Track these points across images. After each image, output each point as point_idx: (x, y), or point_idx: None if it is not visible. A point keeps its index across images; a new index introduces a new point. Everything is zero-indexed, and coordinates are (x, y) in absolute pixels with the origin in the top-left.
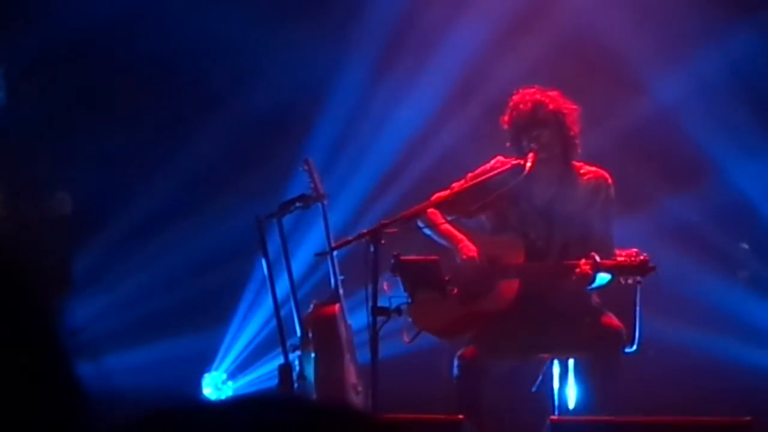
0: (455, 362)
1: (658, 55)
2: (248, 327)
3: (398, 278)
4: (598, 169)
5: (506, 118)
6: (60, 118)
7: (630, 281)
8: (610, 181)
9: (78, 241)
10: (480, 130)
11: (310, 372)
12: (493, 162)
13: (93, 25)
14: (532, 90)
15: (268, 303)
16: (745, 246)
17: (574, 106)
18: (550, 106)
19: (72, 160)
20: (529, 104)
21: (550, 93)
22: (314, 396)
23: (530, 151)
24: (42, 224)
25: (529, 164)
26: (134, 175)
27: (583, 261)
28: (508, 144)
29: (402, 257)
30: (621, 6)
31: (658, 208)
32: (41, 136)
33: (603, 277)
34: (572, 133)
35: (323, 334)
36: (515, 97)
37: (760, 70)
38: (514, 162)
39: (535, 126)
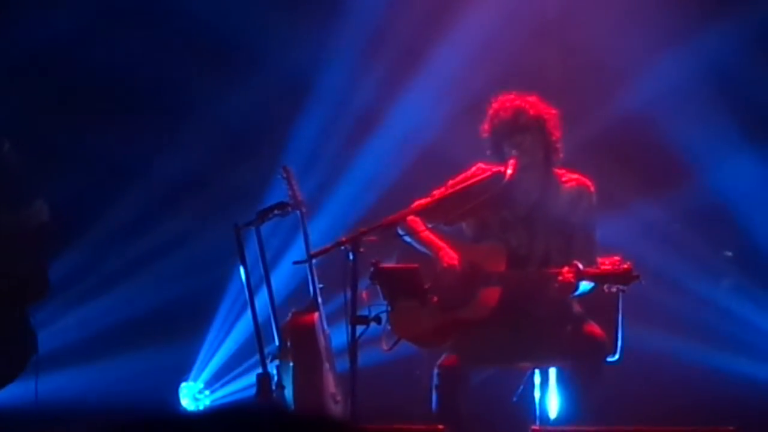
0: (435, 371)
1: (639, 56)
2: (226, 336)
3: (377, 286)
4: (581, 177)
5: (486, 126)
6: (35, 125)
7: (613, 289)
8: (592, 188)
9: (55, 248)
10: (462, 134)
11: (288, 381)
12: (473, 169)
13: (60, 35)
14: (511, 96)
15: (247, 312)
16: (729, 254)
17: (554, 111)
18: (531, 112)
19: (47, 168)
20: (510, 111)
21: (530, 98)
22: (293, 405)
23: (511, 158)
24: (20, 232)
25: (510, 171)
26: (110, 183)
27: (566, 269)
28: (488, 152)
29: (381, 265)
30: (602, 8)
31: (636, 214)
32: (17, 142)
33: (585, 285)
34: (554, 138)
35: (301, 343)
36: (494, 105)
37: (737, 72)
38: (495, 169)
39: (517, 132)
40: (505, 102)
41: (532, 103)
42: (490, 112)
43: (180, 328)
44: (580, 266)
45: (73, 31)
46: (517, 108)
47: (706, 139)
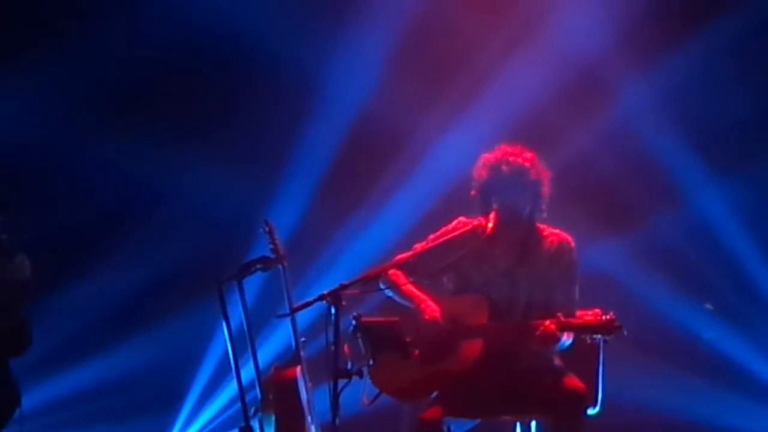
0: (415, 423)
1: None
2: (210, 392)
3: (359, 340)
4: (561, 232)
5: (484, 173)
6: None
7: (596, 339)
8: (573, 244)
9: (36, 303)
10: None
11: None
12: (454, 223)
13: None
14: (514, 151)
15: (229, 366)
16: (709, 306)
17: (549, 172)
18: (532, 176)
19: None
20: (513, 169)
21: (530, 156)
22: None
23: (495, 213)
24: (1, 286)
25: (490, 225)
26: (86, 247)
27: (548, 321)
28: (473, 193)
29: (363, 319)
30: (589, 20)
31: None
32: None
33: (567, 341)
34: (543, 199)
35: (283, 397)
36: (497, 155)
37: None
38: (476, 223)
39: (513, 192)
40: (507, 156)
41: (533, 163)
42: (491, 160)
43: (161, 388)
44: (562, 318)
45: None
46: (520, 169)
47: (673, 171)
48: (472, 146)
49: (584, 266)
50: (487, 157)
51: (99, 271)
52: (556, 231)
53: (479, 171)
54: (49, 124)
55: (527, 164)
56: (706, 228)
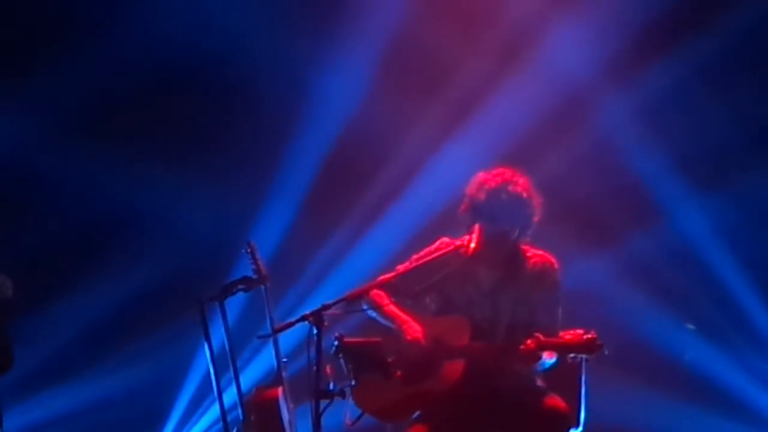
0: None
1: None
2: (190, 412)
3: (341, 360)
4: (545, 254)
5: (482, 196)
6: None
7: (578, 359)
8: (556, 266)
9: (18, 322)
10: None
11: None
12: (437, 243)
13: None
14: (513, 178)
15: (211, 386)
16: (691, 327)
17: (541, 200)
18: (529, 206)
19: (6, 245)
20: (513, 198)
21: (526, 183)
22: None
23: (480, 233)
24: None
25: (472, 245)
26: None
27: (528, 341)
28: (462, 208)
29: (345, 339)
30: (570, 40)
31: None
32: None
33: (549, 361)
34: (532, 225)
35: (265, 418)
36: (497, 180)
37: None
38: (458, 243)
39: (509, 219)
40: (508, 184)
41: (530, 193)
42: (491, 185)
43: (145, 405)
44: (542, 337)
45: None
46: (519, 199)
47: (654, 190)
48: (456, 164)
49: (566, 285)
50: (485, 179)
51: (80, 291)
52: (540, 252)
53: (476, 192)
54: (29, 143)
55: (525, 194)
56: (687, 247)
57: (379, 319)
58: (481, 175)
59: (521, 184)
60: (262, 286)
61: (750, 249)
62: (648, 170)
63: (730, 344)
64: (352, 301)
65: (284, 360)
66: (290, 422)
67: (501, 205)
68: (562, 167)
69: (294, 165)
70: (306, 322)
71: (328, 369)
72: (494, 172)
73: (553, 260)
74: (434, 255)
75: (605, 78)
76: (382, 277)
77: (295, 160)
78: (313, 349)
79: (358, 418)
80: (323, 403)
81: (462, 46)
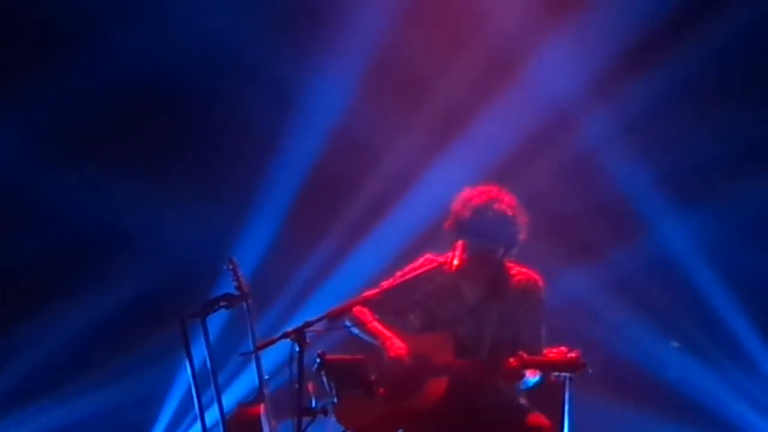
0: None
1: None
2: (172, 430)
3: (323, 377)
4: (529, 271)
5: (467, 214)
6: None
7: (561, 378)
8: (540, 283)
9: None
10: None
11: None
12: (421, 260)
13: None
14: (499, 196)
15: (193, 404)
16: (675, 344)
17: (526, 218)
18: (514, 224)
19: None
20: (498, 216)
21: (512, 201)
22: None
23: (466, 251)
24: None
25: (456, 261)
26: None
27: (511, 359)
28: (447, 225)
29: (327, 356)
30: (554, 56)
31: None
32: None
33: (532, 379)
34: (517, 243)
35: None
36: (482, 197)
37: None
38: (442, 260)
39: (493, 237)
40: (494, 203)
41: (515, 211)
42: (477, 203)
43: (127, 423)
44: (525, 356)
45: None
46: (504, 217)
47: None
48: (441, 180)
49: (550, 302)
50: (471, 196)
51: (61, 307)
52: (524, 269)
53: (461, 209)
54: (12, 159)
55: (510, 212)
56: (670, 262)
57: (362, 336)
58: (466, 192)
59: (507, 201)
60: (244, 303)
61: (732, 264)
62: (631, 186)
63: (713, 360)
64: (335, 318)
65: (266, 377)
66: None
67: (486, 223)
68: (545, 182)
69: (277, 181)
70: (288, 340)
71: (310, 386)
72: (480, 189)
73: (538, 278)
74: (418, 271)
75: (589, 94)
76: (365, 294)
77: (278, 176)
78: (295, 366)
79: None
80: (305, 420)
81: (447, 59)
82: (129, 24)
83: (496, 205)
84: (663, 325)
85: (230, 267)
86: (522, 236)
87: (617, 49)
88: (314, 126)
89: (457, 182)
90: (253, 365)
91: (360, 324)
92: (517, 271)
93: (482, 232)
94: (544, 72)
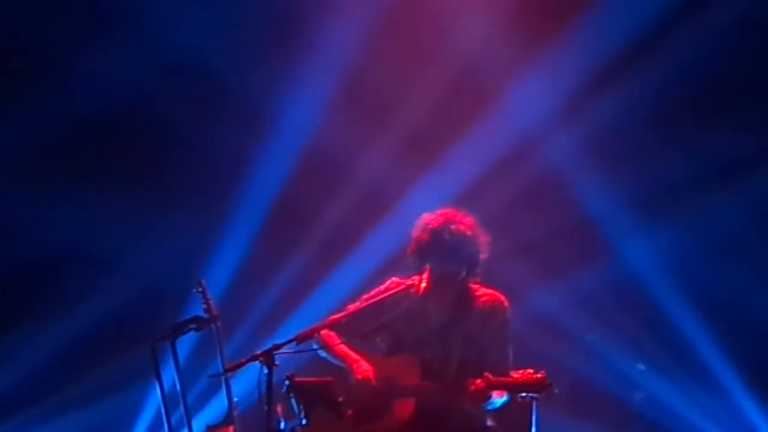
0: None
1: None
2: None
3: (292, 399)
4: (494, 292)
5: (425, 237)
6: None
7: (526, 398)
8: (506, 304)
9: None
10: None
11: None
12: (387, 283)
13: None
14: (456, 218)
15: (162, 426)
16: (641, 367)
17: (487, 238)
18: (472, 244)
19: None
20: (454, 237)
21: (470, 222)
22: None
23: (429, 274)
24: None
25: (423, 284)
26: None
27: (477, 380)
28: (409, 252)
29: (296, 379)
30: (520, 73)
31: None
32: None
33: (499, 400)
34: (479, 264)
35: None
36: (439, 220)
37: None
38: (409, 283)
39: (451, 258)
40: (448, 222)
41: (474, 231)
42: (434, 225)
43: None
44: (491, 377)
45: None
46: (461, 237)
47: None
48: (408, 206)
49: (517, 322)
50: (429, 219)
51: (29, 331)
52: (489, 291)
53: (421, 233)
54: None
55: (468, 232)
56: (638, 285)
57: (330, 359)
58: (425, 217)
59: (464, 222)
60: (213, 326)
61: (698, 285)
62: (597, 207)
63: (679, 380)
64: (303, 340)
65: (235, 399)
66: None
67: (444, 244)
68: (511, 204)
69: (246, 205)
70: (257, 362)
71: (279, 408)
72: (438, 212)
73: (503, 298)
74: (385, 295)
75: (555, 114)
76: (332, 317)
77: (247, 199)
78: (264, 389)
79: None
80: None
81: (413, 81)
82: (96, 47)
83: (453, 227)
84: (629, 346)
85: (199, 290)
86: (483, 256)
87: (583, 70)
88: (282, 151)
89: (426, 205)
90: (223, 387)
91: (327, 347)
92: (483, 292)
93: (442, 253)
94: (512, 94)
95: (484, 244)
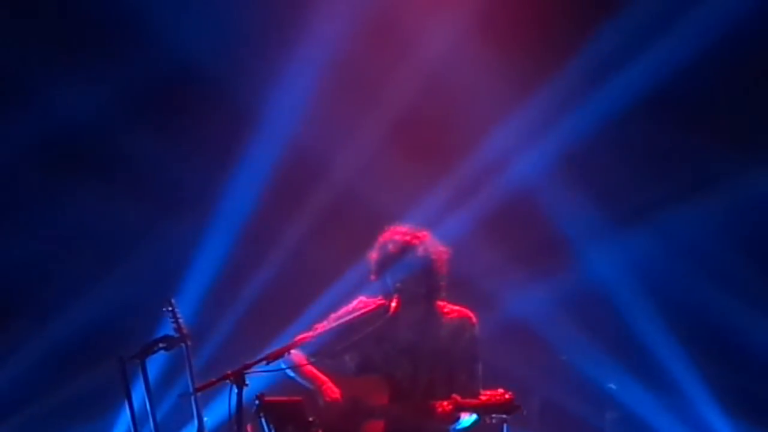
0: None
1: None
2: None
3: (262, 419)
4: (462, 309)
5: (375, 255)
6: None
7: (494, 420)
8: (474, 320)
9: None
10: None
11: None
12: (355, 303)
13: None
14: (403, 230)
15: None
16: (613, 386)
17: (443, 249)
18: (419, 253)
19: None
20: (398, 246)
21: (420, 234)
22: None
23: (395, 293)
24: None
25: (393, 304)
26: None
27: (445, 402)
28: (372, 276)
29: (266, 398)
30: (486, 86)
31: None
32: None
33: (468, 419)
34: (438, 278)
35: None
36: (385, 234)
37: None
38: (378, 302)
39: (402, 270)
40: (395, 235)
41: (421, 241)
42: (380, 241)
43: None
44: (459, 398)
45: None
46: (406, 245)
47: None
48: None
49: (485, 339)
50: (381, 238)
51: None
52: (457, 308)
53: (372, 254)
54: None
55: (414, 241)
56: (607, 300)
57: (298, 379)
58: (380, 238)
59: (411, 234)
60: (183, 345)
61: (668, 299)
62: (565, 220)
63: (650, 397)
64: (273, 360)
65: (205, 419)
66: None
67: (388, 257)
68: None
69: (217, 225)
70: (227, 381)
71: (249, 428)
72: (391, 231)
73: (471, 315)
74: (353, 315)
75: (522, 126)
76: (300, 337)
77: (218, 222)
78: (234, 408)
79: None
80: None
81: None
82: (64, 69)
83: (397, 237)
84: (601, 365)
85: (169, 309)
86: (438, 266)
87: (548, 82)
88: (249, 182)
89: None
90: (193, 407)
91: (295, 367)
92: (450, 309)
93: (389, 265)
94: (479, 106)
95: (437, 254)
